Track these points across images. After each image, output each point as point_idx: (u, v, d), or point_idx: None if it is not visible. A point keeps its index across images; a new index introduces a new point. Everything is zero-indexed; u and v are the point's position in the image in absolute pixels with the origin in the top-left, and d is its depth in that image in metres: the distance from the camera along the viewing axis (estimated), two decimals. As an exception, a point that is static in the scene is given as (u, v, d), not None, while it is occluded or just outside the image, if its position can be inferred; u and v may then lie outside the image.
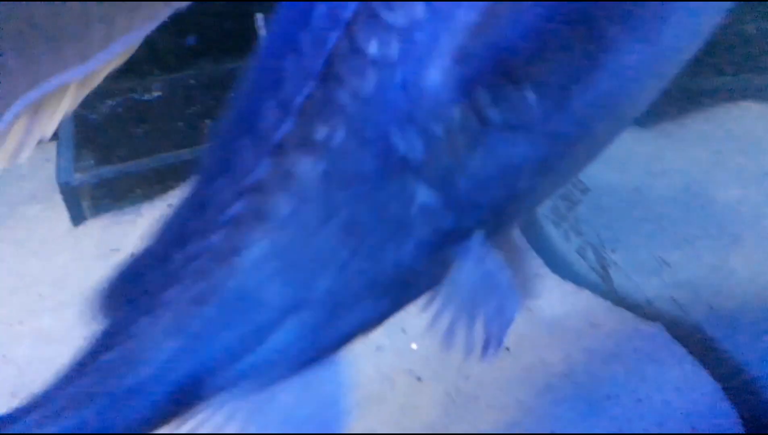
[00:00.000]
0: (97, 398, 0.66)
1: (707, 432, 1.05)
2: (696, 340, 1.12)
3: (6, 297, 1.56)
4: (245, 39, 2.24)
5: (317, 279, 0.58)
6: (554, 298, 1.36)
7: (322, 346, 0.64)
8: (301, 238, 0.56)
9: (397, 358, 1.23)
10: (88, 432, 0.65)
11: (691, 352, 1.12)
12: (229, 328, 0.61)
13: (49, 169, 2.28)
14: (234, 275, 0.58)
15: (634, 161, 1.50)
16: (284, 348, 0.61)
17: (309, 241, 0.56)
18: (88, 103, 2.28)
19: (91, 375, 0.67)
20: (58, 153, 1.96)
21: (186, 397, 0.63)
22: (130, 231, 1.80)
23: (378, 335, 1.27)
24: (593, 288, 1.31)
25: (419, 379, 1.18)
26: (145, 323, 0.63)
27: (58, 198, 2.00)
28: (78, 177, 1.84)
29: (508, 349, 1.21)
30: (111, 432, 0.64)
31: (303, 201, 0.54)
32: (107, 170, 1.87)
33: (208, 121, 2.05)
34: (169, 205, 1.86)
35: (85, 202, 1.85)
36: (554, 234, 1.48)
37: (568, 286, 1.38)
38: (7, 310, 1.49)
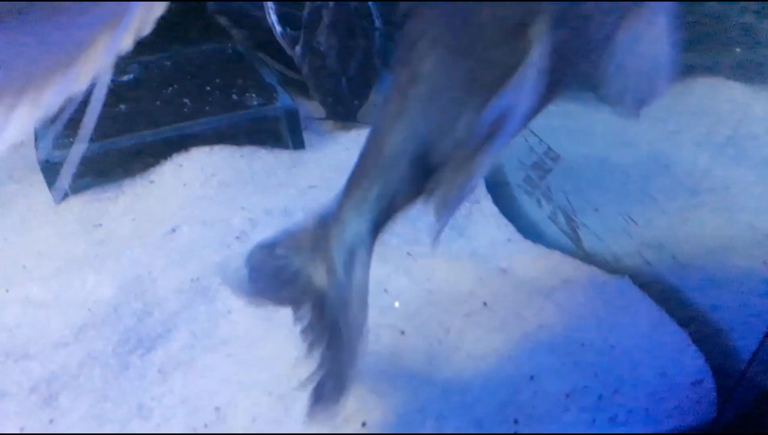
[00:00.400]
0: None
1: (677, 375, 1.12)
2: (661, 291, 1.20)
3: (-11, 269, 1.57)
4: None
5: None
6: (527, 261, 1.43)
7: None
8: None
9: (381, 315, 1.28)
10: None
11: (657, 302, 1.20)
12: None
13: (26, 150, 2.28)
14: None
15: (600, 134, 1.58)
16: None
17: None
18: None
19: None
20: (37, 132, 1.96)
21: None
22: (112, 207, 1.81)
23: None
24: (563, 249, 1.39)
25: (402, 332, 1.24)
26: None
27: (38, 177, 2.00)
28: (57, 154, 1.84)
29: (485, 304, 1.28)
30: None
31: None
32: (87, 148, 1.88)
33: (185, 100, 2.08)
34: (151, 181, 1.88)
35: (66, 178, 1.86)
36: (526, 202, 1.56)
37: (540, 249, 1.45)
38: (-9, 281, 1.50)
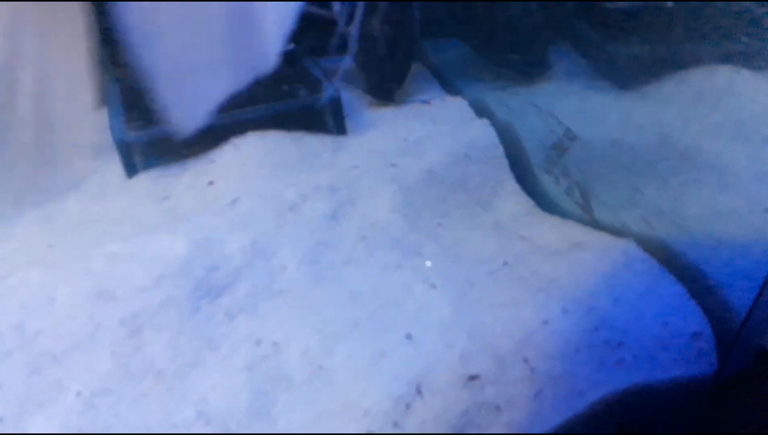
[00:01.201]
0: None
1: (678, 325, 1.26)
2: (663, 252, 1.36)
3: (76, 230, 1.81)
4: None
5: None
6: (543, 229, 1.60)
7: None
8: None
9: (415, 272, 1.48)
10: None
11: (659, 262, 1.36)
12: None
13: (98, 128, 2.54)
14: None
15: (612, 118, 1.74)
16: None
17: None
18: (129, 74, 2.54)
19: None
20: (110, 115, 2.21)
21: None
22: (177, 183, 2.04)
23: (397, 256, 1.52)
24: (577, 220, 1.55)
25: (434, 286, 1.42)
26: None
27: (108, 153, 2.25)
28: (131, 135, 2.09)
29: (505, 263, 1.46)
30: None
31: None
32: (155, 130, 2.12)
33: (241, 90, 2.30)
34: (212, 161, 2.11)
35: (136, 157, 2.10)
36: (546, 180, 1.73)
37: (556, 219, 1.62)
38: (80, 240, 1.74)
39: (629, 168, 1.52)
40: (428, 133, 2.08)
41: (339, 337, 1.34)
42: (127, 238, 1.70)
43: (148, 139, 2.09)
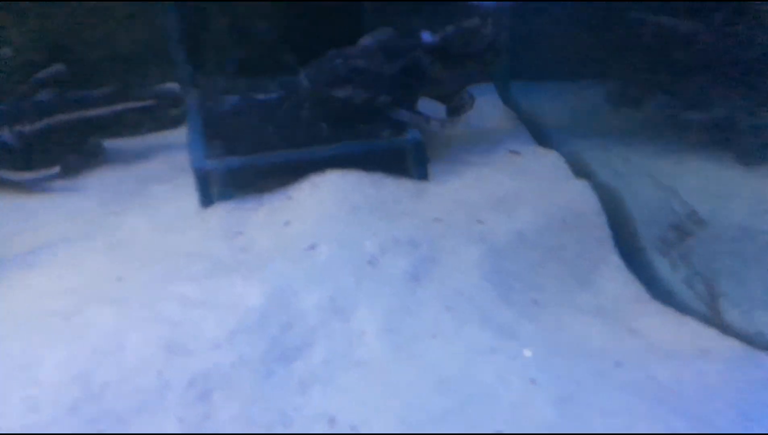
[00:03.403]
0: None
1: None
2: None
3: (147, 263, 1.74)
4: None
5: None
6: (657, 323, 1.43)
7: None
8: None
9: (511, 361, 1.33)
10: None
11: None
12: None
13: (170, 153, 2.50)
14: None
15: (741, 200, 1.56)
16: None
17: None
18: (213, 97, 2.49)
19: None
20: (191, 141, 2.15)
21: None
22: (253, 217, 1.95)
23: (490, 337, 1.37)
24: (697, 315, 1.38)
25: (533, 381, 1.27)
26: None
27: (181, 180, 2.20)
28: (210, 163, 2.02)
29: (617, 363, 1.30)
30: None
31: None
32: (235, 160, 2.05)
33: (322, 125, 2.21)
34: (289, 198, 2.02)
35: (213, 187, 2.03)
36: (658, 262, 1.56)
37: (672, 313, 1.45)
38: (151, 275, 1.67)
39: (760, 260, 1.34)
40: (518, 188, 1.94)
41: (424, 429, 1.21)
42: (200, 279, 1.62)
43: (227, 169, 2.03)
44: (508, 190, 1.92)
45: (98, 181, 2.31)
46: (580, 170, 1.97)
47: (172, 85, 2.62)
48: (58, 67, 2.45)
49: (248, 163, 2.05)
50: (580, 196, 1.83)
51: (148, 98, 2.53)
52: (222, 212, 1.98)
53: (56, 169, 2.29)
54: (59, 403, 1.22)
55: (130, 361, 1.33)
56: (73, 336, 1.39)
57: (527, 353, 1.33)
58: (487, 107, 2.57)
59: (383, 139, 2.13)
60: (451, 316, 1.44)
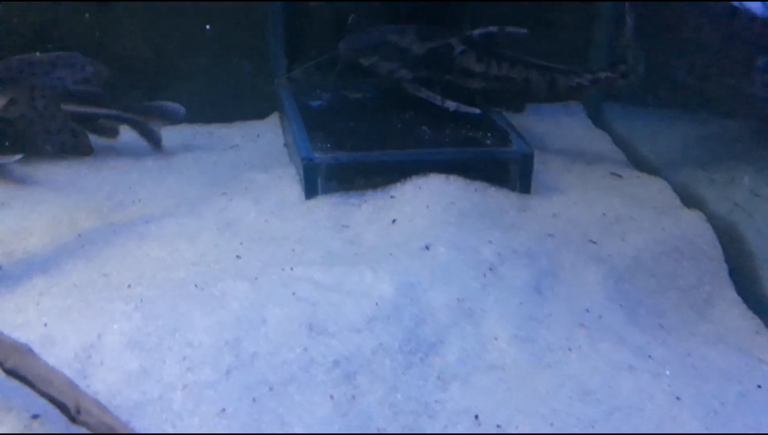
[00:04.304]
0: None
1: None
2: None
3: (262, 245, 1.75)
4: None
5: None
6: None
7: None
8: None
9: (652, 378, 1.33)
10: None
11: None
12: None
13: (260, 143, 2.52)
14: None
15: None
16: None
17: None
18: (306, 92, 2.52)
19: None
20: (295, 133, 2.17)
21: None
22: (356, 212, 1.96)
23: (627, 355, 1.37)
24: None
25: (678, 398, 1.27)
26: None
27: (278, 169, 2.22)
28: (318, 156, 2.04)
29: (759, 386, 1.30)
30: None
31: None
32: (342, 155, 2.07)
33: (425, 128, 2.24)
34: (392, 197, 2.03)
35: (319, 179, 2.04)
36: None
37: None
38: (270, 257, 1.67)
39: None
40: (629, 213, 1.94)
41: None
42: (322, 263, 1.62)
43: (336, 163, 2.04)
44: (619, 213, 1.93)
45: (194, 162, 2.32)
46: (689, 200, 1.98)
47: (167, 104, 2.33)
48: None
49: (356, 160, 2.07)
50: (694, 226, 1.84)
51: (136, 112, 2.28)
52: (326, 205, 1.99)
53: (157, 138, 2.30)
54: (215, 367, 1.23)
55: (274, 335, 1.33)
56: (215, 305, 1.39)
57: (667, 372, 1.34)
58: (576, 127, 2.60)
59: (489, 147, 2.15)
60: (586, 333, 1.44)
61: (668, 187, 2.08)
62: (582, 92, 2.41)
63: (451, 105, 2.22)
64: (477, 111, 2.22)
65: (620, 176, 2.19)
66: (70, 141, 1.66)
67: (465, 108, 2.22)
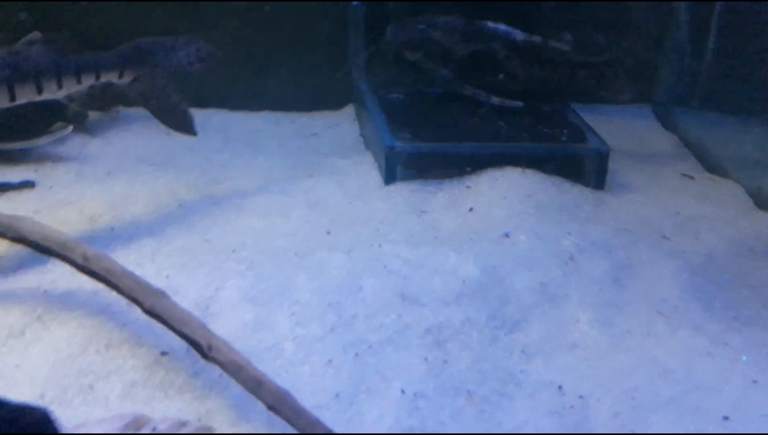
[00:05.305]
0: None
1: None
2: None
3: (350, 224, 1.86)
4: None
5: None
6: None
7: None
8: None
9: (729, 363, 1.38)
10: None
11: None
12: None
13: (338, 131, 2.65)
14: None
15: None
16: None
17: None
18: (384, 86, 2.63)
19: None
20: (377, 123, 2.29)
21: None
22: (433, 199, 2.06)
23: (704, 342, 1.42)
24: None
25: (755, 381, 1.32)
26: None
27: (357, 157, 2.33)
28: (399, 145, 2.14)
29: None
30: None
31: None
32: (422, 145, 2.17)
33: (501, 123, 2.33)
34: (467, 187, 2.12)
35: (399, 167, 2.15)
36: None
37: None
38: (357, 235, 1.79)
39: None
40: (702, 212, 1.99)
41: (653, 408, 1.27)
42: (407, 243, 1.72)
43: (417, 152, 2.15)
44: (692, 212, 1.98)
45: (278, 146, 2.46)
46: (763, 203, 2.01)
47: None
48: None
49: (435, 150, 2.17)
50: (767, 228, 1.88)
51: None
52: (405, 191, 2.09)
53: None
54: (321, 323, 1.34)
55: (371, 301, 1.44)
56: (316, 272, 1.51)
57: (744, 359, 1.39)
58: (645, 129, 2.64)
59: (565, 144, 2.22)
60: (664, 321, 1.50)
61: (741, 189, 2.11)
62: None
63: (495, 100, 2.34)
64: (520, 104, 2.34)
65: (692, 178, 2.23)
66: (180, 120, 1.81)
67: (509, 102, 2.35)
